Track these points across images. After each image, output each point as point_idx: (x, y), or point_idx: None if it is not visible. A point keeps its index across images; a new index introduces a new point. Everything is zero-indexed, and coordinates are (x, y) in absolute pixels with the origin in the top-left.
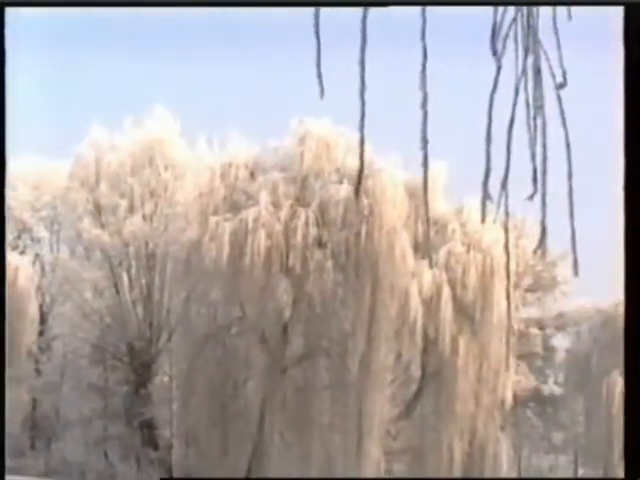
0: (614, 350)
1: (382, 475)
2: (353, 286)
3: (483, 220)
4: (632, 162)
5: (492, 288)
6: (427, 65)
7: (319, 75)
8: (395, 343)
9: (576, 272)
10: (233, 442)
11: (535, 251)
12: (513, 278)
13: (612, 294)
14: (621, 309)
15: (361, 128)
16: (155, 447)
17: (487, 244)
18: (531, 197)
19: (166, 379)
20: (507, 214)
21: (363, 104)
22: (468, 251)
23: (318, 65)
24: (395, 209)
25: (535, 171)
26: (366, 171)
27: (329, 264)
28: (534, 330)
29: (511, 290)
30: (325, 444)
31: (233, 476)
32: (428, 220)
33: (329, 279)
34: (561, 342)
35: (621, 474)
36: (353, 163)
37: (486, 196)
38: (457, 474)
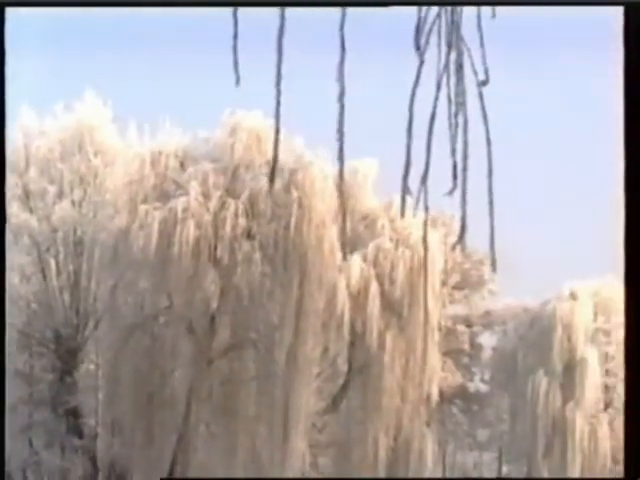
0: (540, 349)
1: (306, 468)
2: (281, 278)
3: (402, 214)
4: (632, 162)
5: (419, 284)
6: (345, 58)
7: (235, 63)
8: (322, 336)
9: (494, 268)
10: (158, 432)
11: (454, 247)
12: (440, 276)
13: (538, 293)
14: (548, 308)
15: (276, 116)
16: (80, 435)
17: (415, 240)
18: (450, 193)
19: (92, 367)
20: (427, 209)
21: (279, 94)
22: (396, 247)
23: (235, 51)
24: (324, 203)
25: (455, 167)
26: (296, 164)
27: (257, 256)
28: (461, 327)
29: (437, 286)
30: (251, 436)
31: (158, 466)
32: (344, 215)
33: (257, 271)
34: (488, 340)
35: (545, 473)
36: (284, 156)
37: (406, 191)
38: (382, 469)
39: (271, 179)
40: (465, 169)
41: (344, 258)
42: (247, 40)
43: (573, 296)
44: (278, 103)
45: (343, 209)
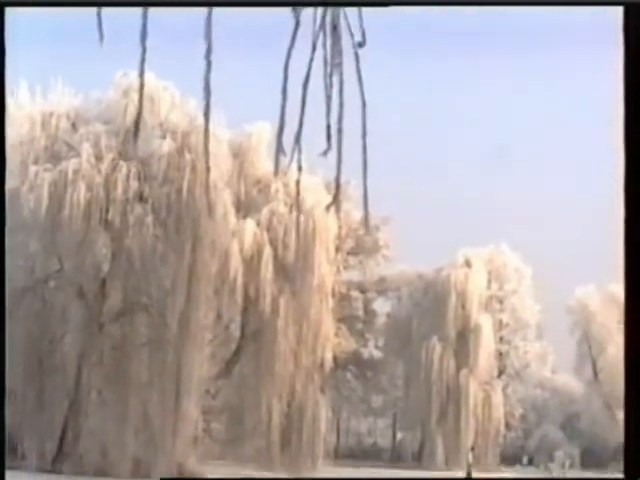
0: (434, 315)
1: (199, 433)
2: (173, 242)
3: (276, 173)
4: (632, 161)
5: (313, 250)
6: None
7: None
8: (215, 302)
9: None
10: (49, 398)
11: (328, 207)
12: (335, 241)
13: (433, 260)
14: (442, 275)
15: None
16: None
17: (310, 205)
18: (324, 153)
19: None
20: (300, 169)
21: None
22: (290, 211)
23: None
24: (218, 166)
25: (329, 128)
26: (189, 127)
27: (149, 219)
28: (355, 293)
29: (331, 251)
30: (143, 402)
31: (49, 430)
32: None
33: (149, 234)
34: (382, 306)
35: (439, 439)
36: (177, 118)
37: (280, 150)
38: (275, 435)
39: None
40: (340, 131)
41: (238, 222)
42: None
43: (467, 263)
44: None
45: (207, 166)
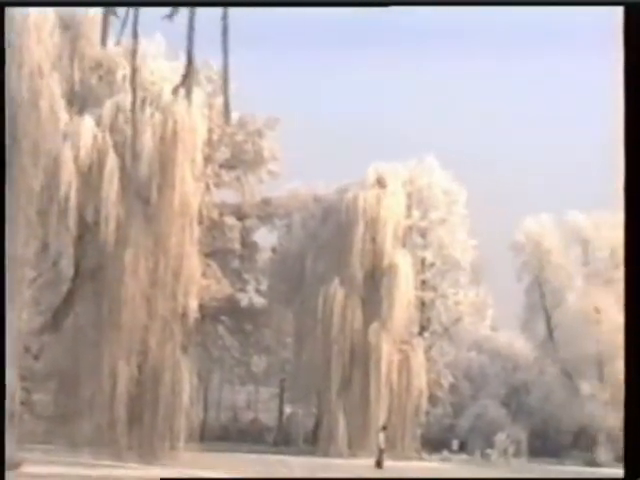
0: (334, 251)
1: (15, 408)
2: None
3: (103, 42)
4: (632, 161)
5: (175, 160)
6: None
7: None
8: (39, 228)
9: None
10: None
11: (174, 92)
12: (204, 149)
13: (334, 177)
14: (347, 197)
15: None
16: None
17: (170, 100)
18: (169, 17)
19: None
20: (136, 35)
21: None
22: (143, 107)
23: None
24: (41, 44)
25: None
26: None
27: None
28: (230, 220)
29: (198, 163)
30: None
31: None
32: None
33: None
34: (265, 238)
35: (340, 414)
36: None
37: (110, 11)
38: (121, 407)
39: None
40: None
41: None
42: None
43: (380, 182)
44: None
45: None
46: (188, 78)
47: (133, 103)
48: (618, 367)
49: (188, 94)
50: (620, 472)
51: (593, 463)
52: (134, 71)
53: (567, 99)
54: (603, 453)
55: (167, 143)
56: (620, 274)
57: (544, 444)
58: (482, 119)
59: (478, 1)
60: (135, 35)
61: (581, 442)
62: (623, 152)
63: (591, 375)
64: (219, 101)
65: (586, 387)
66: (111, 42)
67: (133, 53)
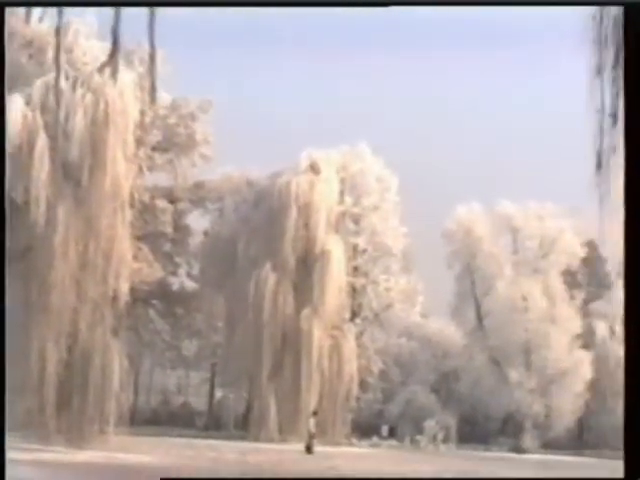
0: (267, 236)
1: None
2: None
3: (27, 20)
4: (632, 161)
5: (106, 141)
6: None
7: None
8: None
9: (153, 100)
10: None
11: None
12: (136, 131)
13: (268, 162)
14: (280, 182)
15: None
16: None
17: (101, 81)
18: None
19: None
20: (60, 13)
21: None
22: (75, 88)
23: None
24: None
25: None
26: None
27: None
28: (162, 203)
29: (130, 145)
30: None
31: None
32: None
33: None
34: (198, 221)
35: (272, 398)
36: None
37: None
38: (50, 391)
39: None
40: None
41: None
42: None
43: (313, 168)
44: None
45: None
46: (114, 57)
47: (57, 78)
48: (544, 355)
49: (114, 73)
50: (545, 458)
51: (519, 449)
52: (58, 47)
53: (502, 89)
54: (529, 439)
55: (99, 124)
56: (547, 263)
57: (473, 430)
58: (416, 106)
59: (478, 1)
60: (60, 13)
61: (508, 428)
62: (623, 152)
63: (519, 363)
64: (148, 83)
65: (514, 374)
66: (35, 19)
67: (57, 30)
